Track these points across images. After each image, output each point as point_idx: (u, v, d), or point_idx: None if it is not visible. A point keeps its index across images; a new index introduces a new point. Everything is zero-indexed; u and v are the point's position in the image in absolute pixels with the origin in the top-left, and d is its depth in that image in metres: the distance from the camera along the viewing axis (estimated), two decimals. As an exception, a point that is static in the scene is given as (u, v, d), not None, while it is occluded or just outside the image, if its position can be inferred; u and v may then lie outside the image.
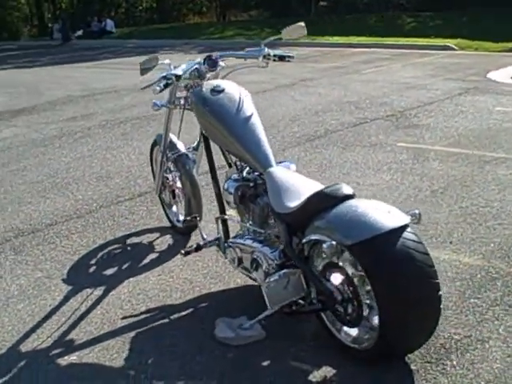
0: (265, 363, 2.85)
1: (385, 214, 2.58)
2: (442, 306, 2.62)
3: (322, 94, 9.83)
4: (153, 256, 4.11)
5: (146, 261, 4.05)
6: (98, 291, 3.65)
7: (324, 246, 2.62)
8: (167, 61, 3.62)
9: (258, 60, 3.55)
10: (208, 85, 3.44)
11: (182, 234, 4.38)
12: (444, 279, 3.47)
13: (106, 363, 2.93)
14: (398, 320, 2.52)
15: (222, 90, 3.35)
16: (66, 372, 2.88)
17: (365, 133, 7.14)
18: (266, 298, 2.82)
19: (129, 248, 4.30)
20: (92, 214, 4.97)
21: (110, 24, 27.81)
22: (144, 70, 3.54)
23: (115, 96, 10.91)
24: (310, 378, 2.71)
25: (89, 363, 2.93)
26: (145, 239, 4.41)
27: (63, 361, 2.96)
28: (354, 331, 2.80)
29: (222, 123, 3.25)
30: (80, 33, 27.94)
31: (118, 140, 7.57)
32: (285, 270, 2.88)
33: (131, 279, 3.78)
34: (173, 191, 4.33)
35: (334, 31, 20.68)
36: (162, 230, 4.53)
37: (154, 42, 22.56)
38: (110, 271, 3.92)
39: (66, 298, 3.58)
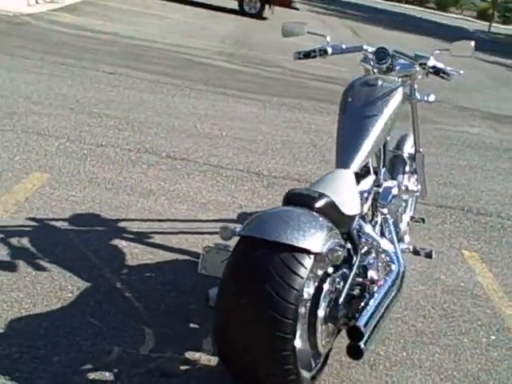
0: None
1: (296, 229, 2.31)
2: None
3: None
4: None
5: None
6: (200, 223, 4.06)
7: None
8: (328, 38, 3.59)
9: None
10: (370, 77, 3.30)
11: None
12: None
13: (98, 261, 3.35)
14: (221, 331, 2.38)
15: (372, 85, 3.17)
16: (68, 250, 3.42)
17: None
18: (199, 259, 2.81)
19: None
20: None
21: None
22: (286, 32, 3.56)
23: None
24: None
25: (88, 254, 3.41)
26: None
27: (80, 243, 3.50)
28: None
29: (341, 112, 3.15)
30: None
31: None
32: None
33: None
34: None
35: None
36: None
37: None
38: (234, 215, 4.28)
39: (171, 214, 4.10)
